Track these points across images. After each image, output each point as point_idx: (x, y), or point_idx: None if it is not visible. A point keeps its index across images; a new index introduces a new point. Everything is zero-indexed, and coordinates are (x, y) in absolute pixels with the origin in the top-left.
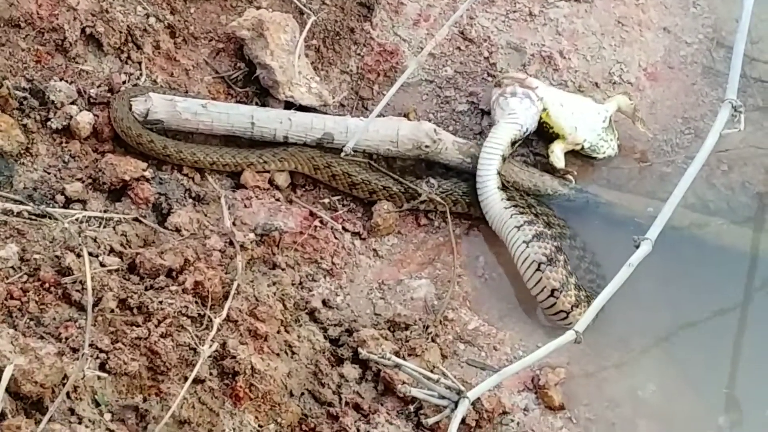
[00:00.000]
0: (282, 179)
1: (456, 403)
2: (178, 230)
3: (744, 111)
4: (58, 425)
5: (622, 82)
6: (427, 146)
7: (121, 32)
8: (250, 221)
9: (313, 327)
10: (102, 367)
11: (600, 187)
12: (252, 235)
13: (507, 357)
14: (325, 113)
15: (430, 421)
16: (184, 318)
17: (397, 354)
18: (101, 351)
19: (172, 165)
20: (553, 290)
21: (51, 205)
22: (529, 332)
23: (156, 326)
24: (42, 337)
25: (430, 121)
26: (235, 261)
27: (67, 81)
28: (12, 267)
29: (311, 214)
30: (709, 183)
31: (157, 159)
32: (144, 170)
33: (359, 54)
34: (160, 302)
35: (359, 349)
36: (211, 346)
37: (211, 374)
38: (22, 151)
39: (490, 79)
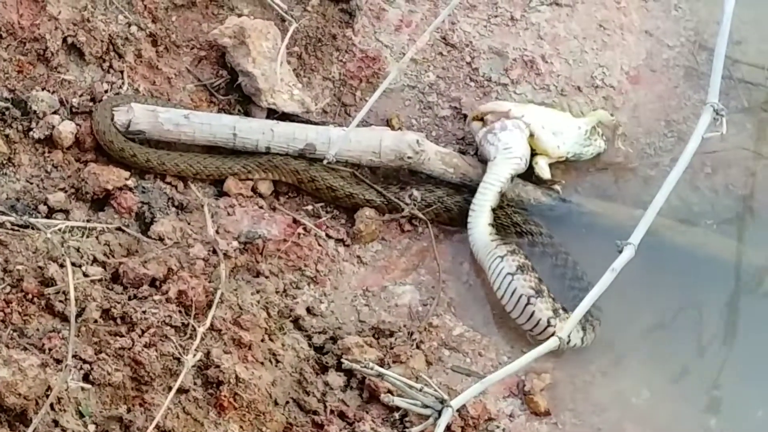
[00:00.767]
0: (265, 187)
1: (440, 412)
2: (161, 239)
3: (726, 114)
4: None
5: (604, 85)
6: (409, 157)
7: (102, 41)
8: (233, 229)
9: (298, 335)
10: (86, 378)
11: (583, 196)
12: (235, 243)
13: (492, 363)
14: (308, 120)
15: (414, 430)
16: (168, 327)
17: (381, 361)
18: (85, 362)
19: (155, 174)
20: (548, 319)
21: (34, 216)
22: (514, 338)
23: (140, 336)
24: (25, 349)
25: (412, 126)
26: (218, 269)
27: (49, 91)
28: None
29: (295, 221)
30: (693, 186)
31: (140, 169)
32: (127, 179)
33: (341, 60)
34: (144, 312)
35: (342, 359)
36: (195, 355)
37: (195, 384)
38: (4, 162)
39: (472, 84)
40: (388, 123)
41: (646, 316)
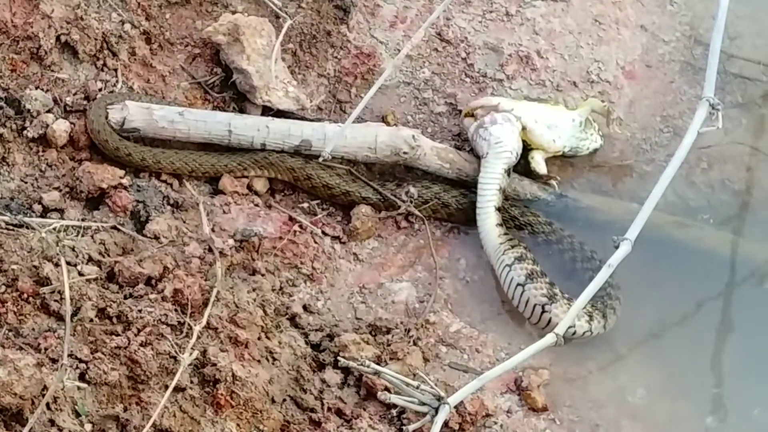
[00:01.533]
0: (261, 184)
1: (436, 409)
2: (156, 238)
3: (722, 108)
4: None
5: (600, 80)
6: (405, 152)
7: (96, 39)
8: (229, 227)
9: (294, 333)
10: (82, 377)
11: (579, 191)
12: (231, 241)
13: (489, 359)
14: (303, 117)
15: (411, 427)
16: (164, 326)
17: (378, 358)
18: (81, 361)
19: (150, 172)
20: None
21: (28, 215)
22: (511, 334)
23: (135, 335)
24: (21, 348)
25: (408, 123)
26: (214, 268)
27: (42, 89)
28: None
29: (290, 218)
30: (689, 181)
31: (135, 168)
32: (122, 178)
33: (336, 57)
34: (140, 311)
35: (339, 356)
36: (191, 354)
37: (191, 382)
38: None
39: (467, 80)
40: (383, 119)
41: (645, 312)
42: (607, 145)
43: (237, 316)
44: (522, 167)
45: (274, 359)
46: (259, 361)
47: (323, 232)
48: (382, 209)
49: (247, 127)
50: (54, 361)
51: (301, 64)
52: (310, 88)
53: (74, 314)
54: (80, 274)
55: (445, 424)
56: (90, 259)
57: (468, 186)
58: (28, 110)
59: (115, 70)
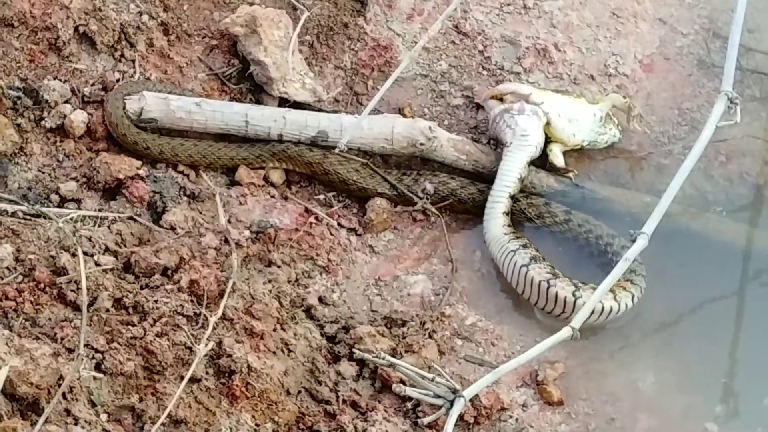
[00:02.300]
0: (277, 176)
1: (452, 402)
2: (173, 228)
3: (740, 102)
4: (54, 426)
5: (617, 74)
6: (422, 144)
7: (114, 30)
8: (245, 218)
9: (310, 324)
10: (98, 367)
11: (596, 182)
12: (247, 233)
13: (505, 352)
14: (320, 109)
15: (426, 420)
16: (180, 317)
17: (394, 351)
18: (97, 351)
19: (167, 164)
20: (573, 293)
21: (45, 205)
22: (527, 327)
23: (151, 325)
24: (37, 338)
25: (425, 115)
26: (230, 259)
27: (60, 80)
28: (7, 267)
29: (307, 210)
30: (707, 175)
31: (153, 160)
32: (138, 168)
33: (353, 49)
34: (156, 301)
35: (354, 349)
36: (207, 345)
37: (207, 373)
38: (16, 151)
39: (484, 73)
40: (400, 112)
41: (661, 305)
42: (624, 138)
43: (253, 307)
44: (539, 159)
45: (290, 351)
46: (274, 352)
47: (339, 224)
48: (399, 203)
49: (263, 118)
50: (70, 350)
51: (318, 56)
52: (327, 80)
53: (91, 304)
54: (97, 264)
55: (461, 417)
56: (107, 250)
57: (484, 179)
58: (46, 100)
59: (133, 61)
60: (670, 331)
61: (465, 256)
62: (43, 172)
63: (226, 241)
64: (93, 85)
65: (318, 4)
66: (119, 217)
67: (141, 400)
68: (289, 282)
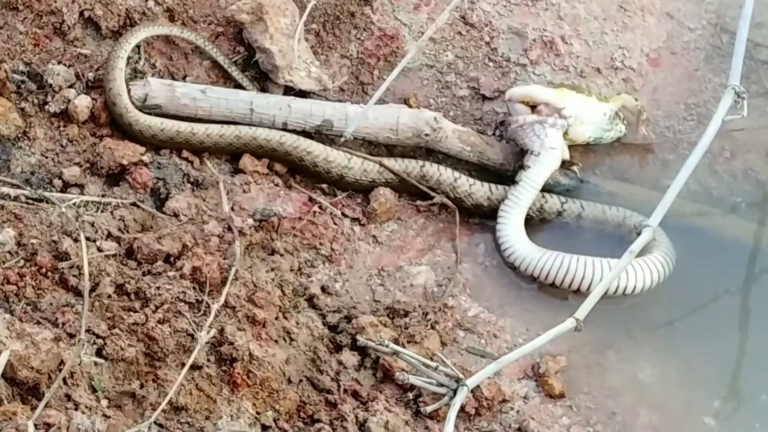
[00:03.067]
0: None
1: (455, 391)
2: (176, 215)
3: (747, 97)
4: (54, 411)
5: (624, 67)
6: (427, 135)
7: (119, 15)
8: (248, 206)
9: (312, 313)
10: (99, 352)
11: (601, 177)
12: (250, 221)
13: (507, 344)
14: (325, 98)
15: (429, 409)
16: (182, 304)
17: (396, 341)
18: (98, 337)
19: (170, 149)
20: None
21: (48, 190)
22: (529, 319)
23: (153, 312)
24: (39, 323)
25: (430, 106)
26: (233, 247)
27: (65, 64)
28: (9, 252)
29: (310, 199)
30: (712, 170)
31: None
32: (142, 155)
33: (359, 38)
34: (158, 288)
35: (357, 336)
36: (208, 332)
37: (208, 360)
38: (19, 135)
39: (491, 64)
40: (405, 102)
41: (665, 300)
42: (630, 132)
43: (255, 295)
44: None
45: (292, 339)
46: (276, 341)
47: (343, 214)
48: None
49: (268, 106)
50: (71, 336)
51: (324, 45)
52: (333, 69)
53: (92, 290)
54: (99, 249)
55: (462, 408)
56: (109, 235)
57: (489, 171)
58: (50, 85)
59: (138, 47)
60: (673, 326)
61: (469, 248)
62: (47, 157)
63: (229, 228)
64: (97, 70)
65: None
66: (122, 203)
67: (142, 386)
68: (291, 271)
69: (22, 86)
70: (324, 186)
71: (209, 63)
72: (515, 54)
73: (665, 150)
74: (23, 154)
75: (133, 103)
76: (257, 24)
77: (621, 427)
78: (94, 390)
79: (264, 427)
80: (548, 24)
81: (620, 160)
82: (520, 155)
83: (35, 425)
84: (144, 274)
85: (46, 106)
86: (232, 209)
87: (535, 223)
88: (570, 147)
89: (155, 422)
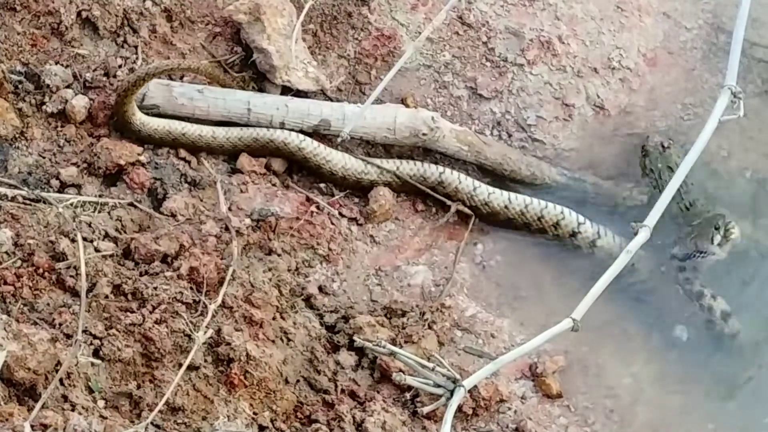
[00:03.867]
0: (279, 164)
1: (452, 392)
2: (173, 215)
3: (744, 97)
4: (51, 412)
5: (621, 67)
6: (424, 134)
7: (117, 16)
8: (246, 206)
9: (309, 313)
10: (96, 353)
11: (598, 176)
12: (248, 221)
13: (505, 344)
14: (323, 98)
15: (426, 409)
16: (179, 304)
17: (393, 341)
18: (95, 337)
19: (168, 149)
20: None
21: (46, 190)
22: (527, 319)
23: (150, 312)
24: (35, 323)
25: (427, 106)
26: (230, 247)
27: (62, 65)
28: (6, 252)
29: (308, 199)
30: (710, 169)
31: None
32: (139, 155)
33: (357, 38)
34: (155, 288)
35: (354, 337)
36: (205, 332)
37: (205, 361)
38: (17, 135)
39: (488, 64)
40: (403, 102)
41: (661, 299)
42: (629, 131)
43: (252, 295)
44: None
45: (289, 340)
46: (273, 341)
47: (340, 214)
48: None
49: (266, 106)
50: (68, 336)
51: (321, 45)
52: (330, 69)
53: (89, 290)
54: (96, 250)
55: (459, 408)
56: (106, 236)
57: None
58: (48, 85)
59: (136, 47)
60: (671, 325)
61: (466, 248)
62: (44, 157)
63: (227, 228)
64: (95, 70)
65: None
66: (119, 203)
67: (139, 387)
68: (289, 271)
69: (20, 86)
70: (322, 186)
71: (207, 63)
72: (512, 54)
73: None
74: (20, 154)
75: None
76: (254, 24)
77: (619, 426)
78: (90, 391)
79: (261, 428)
80: (545, 24)
81: (617, 158)
82: None
83: (32, 426)
84: (141, 275)
85: (44, 107)
86: (230, 209)
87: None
88: None
89: (152, 423)
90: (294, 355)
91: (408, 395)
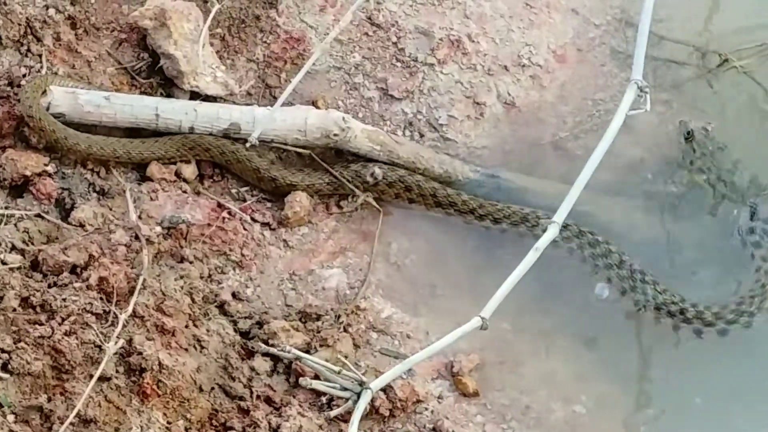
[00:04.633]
0: (189, 171)
1: (359, 394)
2: (82, 225)
3: (652, 91)
4: None
5: (531, 64)
6: (335, 135)
7: (20, 25)
8: (156, 214)
9: (223, 320)
10: (4, 367)
11: (511, 172)
12: (158, 229)
13: (421, 344)
14: (233, 103)
15: (332, 413)
16: (89, 315)
17: (308, 345)
18: (3, 351)
19: (75, 159)
20: None
21: None
22: (442, 319)
23: (60, 324)
24: None
25: (339, 108)
26: (141, 255)
27: None
28: None
29: (219, 205)
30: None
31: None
32: (46, 165)
33: (265, 42)
34: (64, 299)
35: (258, 344)
36: (116, 343)
37: (117, 372)
38: None
39: (398, 65)
40: (313, 104)
41: (576, 296)
42: (540, 127)
43: (164, 304)
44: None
45: (202, 347)
46: (186, 349)
47: (252, 219)
48: (329, 196)
49: (174, 111)
50: None
51: (229, 49)
52: (239, 73)
53: None
54: (3, 263)
55: (376, 410)
56: (13, 248)
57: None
58: None
59: (40, 55)
60: (585, 321)
61: (381, 248)
62: None
63: (137, 237)
64: None
65: None
66: (26, 214)
67: (49, 399)
68: (201, 278)
69: None
70: (233, 191)
71: (114, 70)
72: (422, 54)
73: (575, 145)
74: None
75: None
76: (161, 30)
77: (536, 422)
78: (0, 405)
79: None
80: (455, 23)
81: (531, 155)
82: None
83: None
84: (50, 286)
85: None
86: (140, 217)
87: None
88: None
89: None
90: (208, 363)
91: (324, 399)
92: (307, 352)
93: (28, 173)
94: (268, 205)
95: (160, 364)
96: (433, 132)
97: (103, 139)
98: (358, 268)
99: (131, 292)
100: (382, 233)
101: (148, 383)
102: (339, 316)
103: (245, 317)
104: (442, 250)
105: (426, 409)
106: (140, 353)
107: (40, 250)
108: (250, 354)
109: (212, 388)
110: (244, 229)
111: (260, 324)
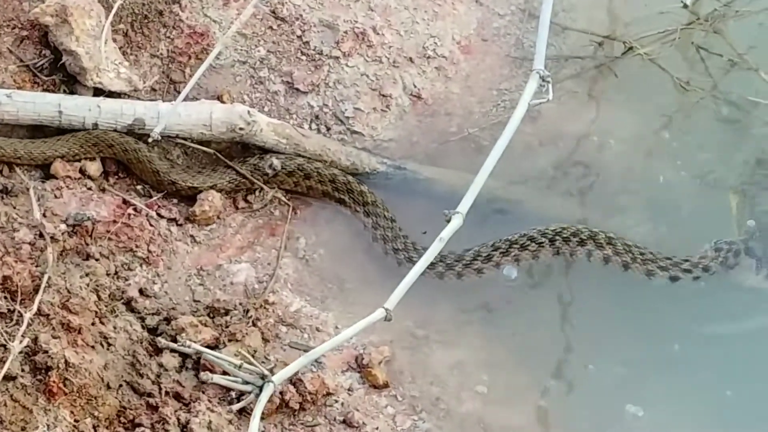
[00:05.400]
0: (94, 168)
1: (260, 388)
2: None
3: (554, 80)
4: None
5: (436, 56)
6: (241, 128)
7: None
8: (60, 212)
9: (130, 317)
10: None
11: (418, 163)
12: (63, 226)
13: (330, 337)
14: (137, 99)
15: (235, 407)
16: None
17: (217, 340)
18: None
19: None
20: None
21: None
22: (351, 312)
23: None
24: None
25: (244, 102)
26: (45, 253)
27: None
28: None
29: (125, 201)
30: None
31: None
32: None
33: (169, 37)
34: None
35: (159, 339)
36: (21, 341)
37: (23, 370)
38: None
39: (303, 58)
40: (219, 99)
41: (484, 286)
42: (446, 119)
43: (69, 301)
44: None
45: (109, 345)
46: (93, 347)
47: (159, 215)
48: (238, 192)
49: (78, 108)
50: None
51: (133, 45)
52: (143, 69)
53: None
54: None
55: (286, 404)
56: None
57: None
58: None
59: None
60: (496, 310)
61: (289, 242)
62: None
63: (41, 235)
64: None
65: None
66: None
67: None
68: (108, 275)
69: None
70: (139, 187)
71: (15, 67)
72: (327, 47)
73: (480, 135)
74: None
75: None
76: (62, 26)
77: (446, 413)
78: None
79: None
80: (359, 15)
81: (438, 146)
82: None
83: None
84: None
85: None
86: (44, 215)
87: None
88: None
89: None
90: (115, 360)
91: (234, 394)
92: (216, 347)
93: None
94: (175, 201)
95: (66, 362)
96: (340, 125)
97: (3, 140)
98: (267, 263)
99: (36, 290)
100: (291, 228)
101: (54, 382)
102: (247, 311)
103: (153, 313)
104: (350, 244)
105: (336, 401)
106: (46, 352)
107: None
108: (158, 350)
109: (120, 386)
110: (151, 225)
111: (168, 320)
